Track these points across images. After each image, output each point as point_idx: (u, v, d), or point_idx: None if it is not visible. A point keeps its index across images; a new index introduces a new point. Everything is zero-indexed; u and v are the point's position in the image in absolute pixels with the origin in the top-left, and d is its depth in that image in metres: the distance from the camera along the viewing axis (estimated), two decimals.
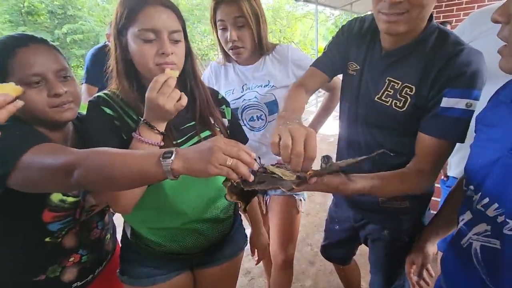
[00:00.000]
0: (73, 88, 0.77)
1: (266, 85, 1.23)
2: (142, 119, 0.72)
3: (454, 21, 4.00)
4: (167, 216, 0.82)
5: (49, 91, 0.72)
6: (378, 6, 0.72)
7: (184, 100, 0.72)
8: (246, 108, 1.25)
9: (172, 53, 0.74)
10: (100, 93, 0.79)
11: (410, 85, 0.78)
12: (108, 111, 0.75)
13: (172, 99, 0.69)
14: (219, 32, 1.18)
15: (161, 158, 0.54)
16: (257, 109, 1.25)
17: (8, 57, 0.68)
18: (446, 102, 0.73)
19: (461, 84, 0.71)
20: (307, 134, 0.62)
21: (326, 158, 0.68)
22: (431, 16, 0.77)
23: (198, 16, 13.65)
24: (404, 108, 0.80)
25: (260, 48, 1.21)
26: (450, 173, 1.33)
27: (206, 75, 1.35)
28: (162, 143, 0.73)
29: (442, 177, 1.40)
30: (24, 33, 0.75)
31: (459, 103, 0.71)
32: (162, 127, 0.73)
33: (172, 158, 0.53)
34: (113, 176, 0.55)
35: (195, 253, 0.88)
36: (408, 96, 0.79)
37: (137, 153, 0.58)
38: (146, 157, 0.56)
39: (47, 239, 0.78)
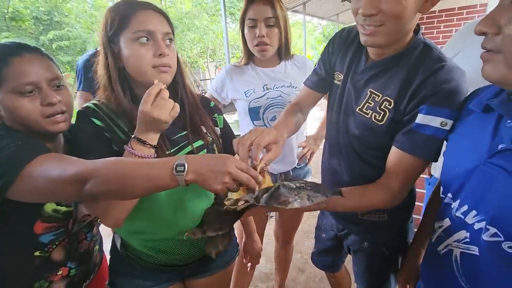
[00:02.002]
0: (66, 97, 0.76)
1: (289, 86, 1.31)
2: (132, 136, 0.72)
3: (435, 32, 4.17)
4: (159, 228, 0.81)
5: (43, 100, 0.71)
6: (356, 18, 0.73)
7: (177, 107, 0.73)
8: (270, 107, 1.29)
9: (168, 54, 0.75)
10: (89, 103, 0.78)
11: (389, 99, 0.77)
12: (97, 122, 0.74)
13: (166, 110, 0.70)
14: (247, 29, 1.22)
15: (175, 172, 0.57)
16: (281, 107, 1.28)
17: (1, 66, 0.68)
18: (421, 118, 0.72)
19: (437, 102, 0.70)
20: (272, 135, 0.67)
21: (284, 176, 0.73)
22: (418, 29, 0.77)
23: (187, 24, 13.67)
24: (383, 122, 0.79)
25: (285, 50, 1.29)
26: (434, 172, 1.36)
27: (220, 78, 1.39)
28: (155, 155, 0.74)
29: (426, 175, 1.43)
30: (16, 41, 0.75)
31: (434, 121, 0.70)
32: (155, 139, 0.73)
33: (184, 172, 0.57)
34: (128, 185, 0.57)
35: (187, 264, 0.88)
36: (387, 110, 0.78)
37: (151, 163, 0.60)
38: (160, 168, 0.58)
39: (37, 253, 0.76)
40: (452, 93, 0.69)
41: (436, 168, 1.33)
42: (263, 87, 1.30)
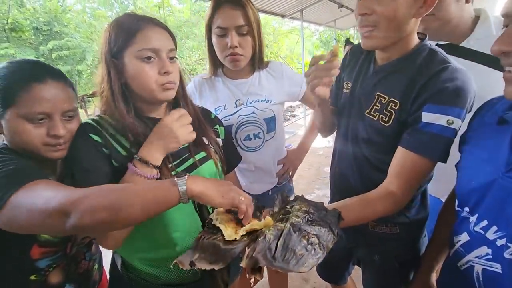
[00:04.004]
0: (75, 126, 0.74)
1: (264, 100, 1.16)
2: (135, 156, 0.70)
3: None
4: (160, 245, 0.78)
5: (49, 130, 0.69)
6: (357, 22, 0.77)
7: (194, 134, 0.76)
8: (242, 125, 1.15)
9: (172, 72, 0.75)
10: (88, 120, 0.76)
11: (395, 100, 0.78)
12: (96, 138, 0.72)
13: (187, 130, 0.73)
14: (216, 38, 1.06)
15: (181, 200, 0.57)
16: (255, 126, 1.16)
17: (20, 89, 0.65)
18: (426, 117, 0.72)
19: (442, 100, 0.70)
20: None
21: (281, 196, 0.71)
22: (425, 36, 0.80)
23: (186, 32, 13.80)
24: (390, 123, 0.80)
25: (259, 59, 1.14)
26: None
27: (189, 92, 1.29)
28: (158, 176, 0.71)
29: None
30: (44, 63, 0.73)
31: (440, 119, 0.70)
32: (159, 160, 0.72)
33: (185, 180, 0.58)
34: (121, 215, 0.52)
35: (191, 282, 0.84)
36: (392, 111, 0.79)
37: (150, 189, 0.58)
38: (164, 196, 0.57)
39: (32, 277, 0.72)
40: (456, 92, 0.69)
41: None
42: (235, 103, 1.15)
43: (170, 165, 0.77)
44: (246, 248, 0.56)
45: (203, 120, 0.88)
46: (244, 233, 0.60)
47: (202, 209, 0.82)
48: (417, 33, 0.80)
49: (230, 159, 0.98)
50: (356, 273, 1.19)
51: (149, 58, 0.72)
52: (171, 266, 0.55)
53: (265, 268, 0.53)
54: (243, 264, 0.52)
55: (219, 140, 0.93)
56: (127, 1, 14.05)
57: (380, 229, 0.93)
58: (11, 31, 9.73)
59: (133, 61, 0.72)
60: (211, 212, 0.71)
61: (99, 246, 0.98)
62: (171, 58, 0.76)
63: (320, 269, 1.28)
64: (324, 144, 5.03)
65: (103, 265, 1.02)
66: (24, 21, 10.23)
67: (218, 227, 0.62)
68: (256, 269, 0.52)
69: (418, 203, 0.92)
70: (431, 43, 0.80)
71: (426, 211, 0.95)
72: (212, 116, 0.96)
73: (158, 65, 0.73)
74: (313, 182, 3.74)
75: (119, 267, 0.83)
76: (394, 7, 0.69)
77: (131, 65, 0.72)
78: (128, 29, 0.72)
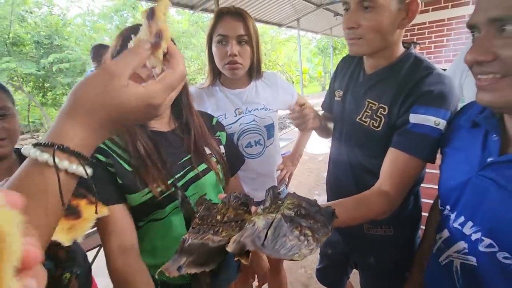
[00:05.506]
0: (10, 124, 0.80)
1: (262, 108, 1.21)
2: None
3: (426, 42, 4.27)
4: (162, 249, 0.81)
5: None
6: (344, 34, 0.82)
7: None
8: (244, 133, 1.19)
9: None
10: None
11: (384, 105, 0.82)
12: (101, 158, 0.74)
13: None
14: (216, 46, 1.10)
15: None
16: (256, 133, 1.21)
17: None
18: (414, 118, 0.75)
19: (428, 102, 0.73)
20: None
21: (272, 190, 0.67)
22: (410, 44, 0.85)
23: (185, 42, 13.99)
24: (380, 128, 0.83)
25: (257, 70, 1.19)
26: None
27: None
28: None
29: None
30: None
31: (428, 121, 0.73)
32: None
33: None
34: None
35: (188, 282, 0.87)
36: (382, 116, 0.82)
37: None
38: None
39: None
40: (442, 94, 0.73)
41: None
42: (234, 112, 1.18)
43: (172, 180, 0.78)
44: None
45: (207, 131, 0.89)
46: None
47: (186, 206, 0.77)
48: (402, 42, 0.85)
49: (233, 162, 1.00)
50: (355, 277, 1.21)
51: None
52: (156, 275, 0.51)
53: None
54: (229, 248, 0.48)
55: (221, 147, 0.95)
56: (126, 14, 14.28)
57: (375, 231, 0.95)
58: (12, 45, 9.87)
59: None
60: (195, 210, 0.68)
61: (83, 255, 0.99)
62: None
63: (319, 274, 1.29)
64: (324, 150, 5.06)
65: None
66: (25, 35, 10.39)
67: (207, 226, 0.57)
68: (243, 254, 0.49)
69: (411, 204, 0.94)
70: (416, 52, 0.85)
71: (419, 209, 0.97)
72: (213, 123, 0.98)
73: (145, 72, 0.71)
74: (312, 188, 3.76)
75: None
76: (379, 20, 0.74)
77: None
78: (125, 39, 0.74)
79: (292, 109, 1.00)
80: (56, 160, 0.34)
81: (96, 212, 0.55)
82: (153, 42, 0.39)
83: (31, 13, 11.14)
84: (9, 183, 0.34)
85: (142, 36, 0.40)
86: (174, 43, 0.60)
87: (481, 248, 0.56)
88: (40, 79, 10.90)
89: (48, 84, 11.16)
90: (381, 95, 0.84)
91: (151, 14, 0.40)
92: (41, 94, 11.32)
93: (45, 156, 0.33)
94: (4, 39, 9.57)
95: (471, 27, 0.54)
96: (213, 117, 1.00)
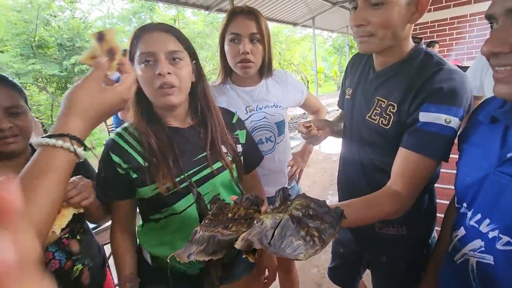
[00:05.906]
0: (23, 122, 0.81)
1: (273, 105, 1.23)
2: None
3: (447, 39, 4.13)
4: (180, 240, 0.83)
5: None
6: (353, 32, 0.81)
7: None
8: (255, 130, 1.21)
9: (169, 73, 0.74)
10: (115, 133, 0.83)
11: (393, 103, 0.80)
12: (115, 158, 0.78)
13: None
14: (229, 44, 1.12)
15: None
16: (267, 130, 1.23)
17: None
18: (424, 116, 0.73)
19: (439, 100, 0.71)
20: None
21: (282, 192, 0.69)
22: (420, 39, 0.83)
23: (200, 43, 14.16)
24: (389, 126, 0.81)
25: (268, 68, 1.20)
26: None
27: None
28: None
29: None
30: None
31: (438, 119, 0.71)
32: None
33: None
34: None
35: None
36: (391, 114, 0.81)
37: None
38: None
39: None
40: (452, 91, 0.70)
41: None
42: (245, 109, 1.20)
43: (186, 174, 0.81)
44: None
45: (225, 129, 0.91)
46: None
47: (200, 203, 0.83)
48: (412, 37, 0.83)
49: (251, 160, 1.01)
50: (369, 278, 1.19)
51: (147, 61, 0.75)
52: (168, 260, 0.57)
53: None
54: (237, 245, 0.51)
55: (239, 146, 0.95)
56: (144, 16, 14.63)
57: (387, 230, 0.94)
58: (37, 47, 10.33)
59: (138, 66, 0.76)
60: (208, 208, 0.72)
61: (99, 248, 1.04)
62: (174, 59, 0.76)
63: (331, 274, 1.28)
64: (338, 150, 4.98)
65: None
66: (49, 38, 10.83)
67: (217, 221, 0.61)
68: (250, 251, 0.51)
69: (425, 203, 0.92)
70: (426, 47, 0.82)
71: (433, 209, 0.95)
72: (234, 121, 0.99)
73: (154, 68, 0.74)
74: (326, 188, 3.73)
75: (149, 261, 0.89)
76: (389, 16, 0.72)
77: (138, 70, 0.76)
78: (134, 37, 0.78)
79: (300, 130, 1.02)
80: (68, 144, 0.48)
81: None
82: (108, 58, 0.55)
83: (55, 16, 11.60)
84: (27, 166, 0.47)
85: (94, 52, 0.56)
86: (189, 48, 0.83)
87: (498, 246, 0.55)
88: (63, 80, 11.33)
89: (70, 85, 11.58)
90: (390, 92, 0.82)
91: (100, 37, 0.56)
92: (63, 95, 11.77)
93: (60, 142, 0.48)
94: (30, 42, 10.03)
95: (489, 17, 0.53)
96: (234, 114, 1.01)
